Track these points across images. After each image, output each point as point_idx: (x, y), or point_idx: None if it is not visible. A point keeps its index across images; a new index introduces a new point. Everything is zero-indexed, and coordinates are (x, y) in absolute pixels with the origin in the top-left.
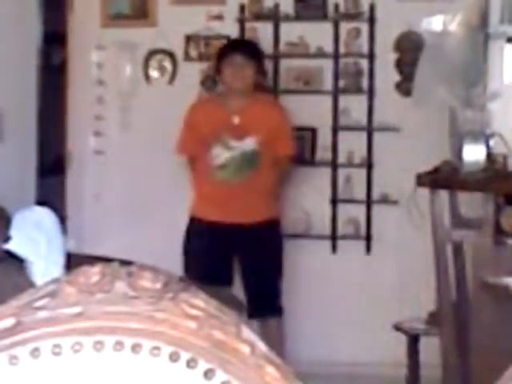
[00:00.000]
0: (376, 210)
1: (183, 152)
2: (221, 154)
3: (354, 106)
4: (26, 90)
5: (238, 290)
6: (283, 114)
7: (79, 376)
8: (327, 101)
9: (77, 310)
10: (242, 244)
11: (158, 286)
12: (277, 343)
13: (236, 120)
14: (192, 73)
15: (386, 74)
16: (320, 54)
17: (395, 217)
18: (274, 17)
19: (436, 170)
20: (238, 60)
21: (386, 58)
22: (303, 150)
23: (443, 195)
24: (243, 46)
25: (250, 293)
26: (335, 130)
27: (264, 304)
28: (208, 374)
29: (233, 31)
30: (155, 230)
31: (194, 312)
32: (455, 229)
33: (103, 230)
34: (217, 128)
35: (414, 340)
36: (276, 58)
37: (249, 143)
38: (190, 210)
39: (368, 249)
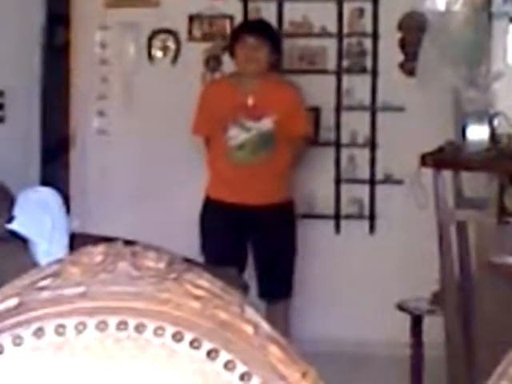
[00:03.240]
0: (380, 189)
1: (198, 133)
2: (238, 135)
3: (358, 86)
4: (30, 71)
5: (249, 270)
6: (297, 93)
7: (83, 356)
8: (331, 80)
9: (80, 290)
10: (256, 226)
11: (162, 266)
12: (283, 324)
13: (250, 101)
14: (195, 53)
15: (390, 54)
16: (324, 33)
17: (399, 197)
18: None
19: (440, 150)
20: (251, 42)
21: (390, 38)
22: None
23: (447, 175)
24: (256, 28)
25: (262, 274)
26: (339, 110)
27: (276, 285)
28: (212, 354)
29: (236, 11)
30: (160, 210)
31: (197, 292)
32: (459, 209)
33: (107, 210)
34: (233, 109)
35: (417, 320)
36: (281, 37)
37: (266, 123)
38: (206, 191)
39: (372, 228)
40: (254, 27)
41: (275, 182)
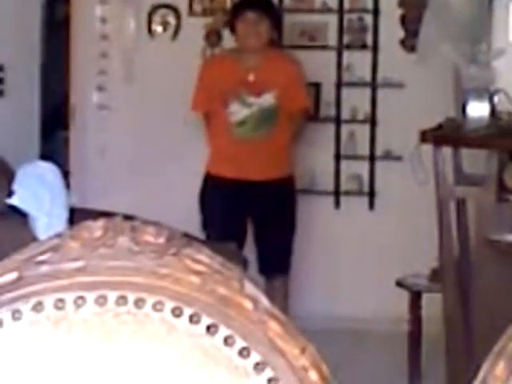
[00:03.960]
0: (379, 166)
1: (198, 109)
2: (239, 111)
3: (358, 62)
4: (30, 45)
5: (248, 246)
6: (298, 68)
7: (82, 330)
8: (331, 56)
9: (80, 264)
10: (257, 201)
11: (162, 240)
12: (282, 300)
13: (251, 77)
14: (196, 28)
15: (391, 30)
16: (325, 9)
17: (398, 173)
18: None
19: (440, 127)
20: (252, 17)
21: (391, 14)
22: None
23: (446, 152)
24: (257, 3)
25: (262, 249)
26: (339, 86)
27: (275, 261)
28: (211, 329)
29: None
30: (159, 185)
31: (197, 267)
32: (458, 185)
33: (107, 185)
34: (234, 85)
35: (416, 296)
36: (281, 13)
37: (267, 98)
38: (206, 167)
39: (371, 205)
40: (254, 2)
41: (276, 157)
